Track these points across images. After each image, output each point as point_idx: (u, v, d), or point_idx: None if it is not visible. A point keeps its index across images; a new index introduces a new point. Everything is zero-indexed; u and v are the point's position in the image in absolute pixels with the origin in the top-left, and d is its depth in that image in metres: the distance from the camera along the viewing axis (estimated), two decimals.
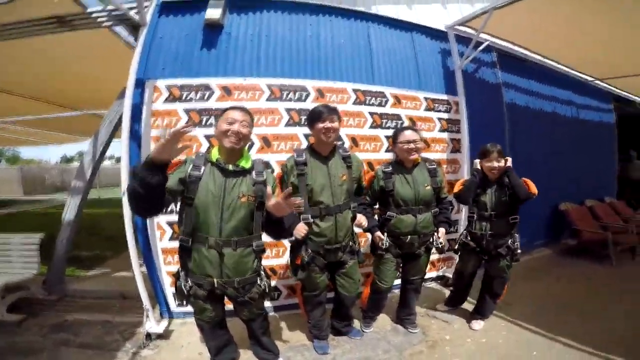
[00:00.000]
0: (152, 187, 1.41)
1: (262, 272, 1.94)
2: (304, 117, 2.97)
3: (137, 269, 2.57)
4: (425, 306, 3.12)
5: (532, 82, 4.78)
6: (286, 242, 2.99)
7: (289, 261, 2.46)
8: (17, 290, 3.13)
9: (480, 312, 2.80)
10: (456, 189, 2.65)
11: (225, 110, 1.80)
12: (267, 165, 2.86)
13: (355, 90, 3.23)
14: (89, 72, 4.25)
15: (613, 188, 6.43)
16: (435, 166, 2.51)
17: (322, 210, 2.16)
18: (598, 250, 4.51)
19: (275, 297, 3.05)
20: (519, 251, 2.56)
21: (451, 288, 3.05)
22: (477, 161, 2.62)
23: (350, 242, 2.32)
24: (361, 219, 2.31)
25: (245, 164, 1.80)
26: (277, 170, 2.82)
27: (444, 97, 3.68)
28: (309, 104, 3.02)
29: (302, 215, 2.14)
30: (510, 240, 2.55)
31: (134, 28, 2.96)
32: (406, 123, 3.41)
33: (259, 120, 2.92)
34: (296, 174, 2.15)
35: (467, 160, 3.61)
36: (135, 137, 2.75)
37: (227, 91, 2.91)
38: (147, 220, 2.81)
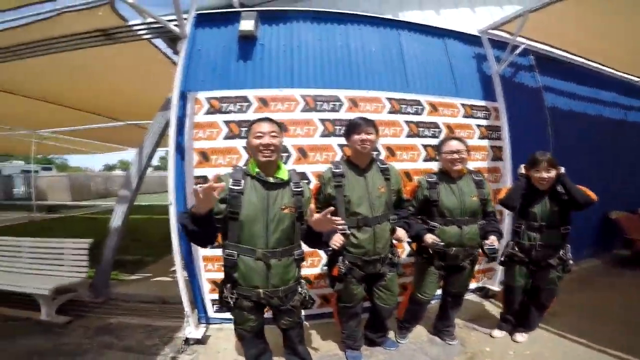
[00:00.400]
0: (201, 226, 1.58)
1: (302, 280, 1.97)
2: (338, 128, 2.99)
3: (181, 276, 2.63)
4: (464, 318, 2.98)
5: (573, 84, 4.49)
6: (321, 252, 2.98)
7: (325, 271, 2.44)
8: (67, 293, 3.29)
9: (524, 325, 2.63)
10: (501, 195, 2.52)
11: (252, 124, 1.81)
12: (302, 176, 2.88)
13: (389, 99, 3.17)
14: (129, 83, 4.45)
15: None
16: (481, 178, 2.44)
17: (359, 222, 2.13)
18: None
19: (309, 306, 3.00)
20: (571, 262, 2.41)
21: (501, 312, 2.82)
22: (522, 166, 2.49)
23: (390, 254, 2.27)
24: (400, 232, 2.24)
25: (283, 175, 1.82)
26: (314, 181, 2.83)
27: (482, 103, 3.54)
28: (343, 114, 3.02)
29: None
30: (562, 252, 2.40)
31: (172, 40, 3.09)
32: (444, 131, 3.31)
33: (295, 131, 2.94)
34: (333, 185, 2.15)
35: (510, 169, 3.44)
36: (179, 149, 2.82)
37: (263, 102, 2.94)
38: None
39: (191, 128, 2.87)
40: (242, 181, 1.76)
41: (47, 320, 3.02)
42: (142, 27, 2.89)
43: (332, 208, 1.66)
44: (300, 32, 3.21)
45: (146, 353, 2.58)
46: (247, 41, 3.06)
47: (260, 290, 1.78)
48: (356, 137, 2.10)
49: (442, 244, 2.26)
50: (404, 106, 3.21)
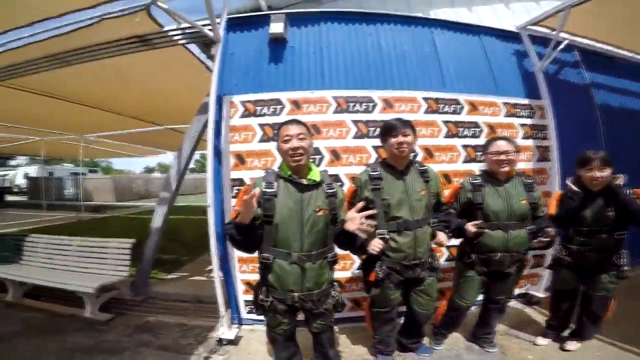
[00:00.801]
0: (246, 235, 1.64)
1: (335, 283, 1.93)
2: (371, 129, 2.91)
3: (217, 277, 2.66)
4: (506, 325, 2.80)
5: (624, 80, 4.10)
6: (354, 256, 2.88)
7: (359, 275, 2.35)
8: (110, 291, 3.42)
9: (578, 334, 2.44)
10: (552, 209, 2.31)
11: (279, 127, 1.79)
12: (335, 179, 2.81)
13: (426, 99, 3.04)
14: (166, 88, 4.59)
15: None
16: (531, 181, 2.27)
17: (399, 225, 2.04)
18: None
19: (341, 310, 2.93)
20: (626, 267, 2.17)
21: (547, 319, 2.64)
22: (569, 180, 2.27)
23: (430, 259, 2.16)
24: (441, 236, 2.13)
25: (315, 177, 1.79)
26: (347, 184, 2.76)
27: (525, 101, 3.31)
28: (377, 115, 2.93)
29: (377, 230, 2.01)
30: (614, 256, 2.17)
31: (205, 45, 3.14)
32: (485, 131, 3.12)
33: (327, 133, 2.89)
34: (371, 188, 2.06)
35: (558, 170, 3.20)
36: (216, 152, 2.85)
37: (296, 105, 2.91)
38: None
39: (227, 131, 2.89)
40: (275, 184, 1.74)
41: (90, 318, 3.14)
42: (177, 32, 2.95)
43: (362, 203, 1.64)
44: (329, 33, 3.17)
45: (180, 352, 2.61)
46: (278, 44, 3.06)
47: (295, 294, 1.76)
48: (392, 140, 2.00)
49: (485, 230, 2.14)
50: (441, 105, 3.06)
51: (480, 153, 2.44)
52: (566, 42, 3.38)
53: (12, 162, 24.98)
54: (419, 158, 2.93)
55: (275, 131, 2.77)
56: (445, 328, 2.55)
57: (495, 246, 2.17)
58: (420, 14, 3.47)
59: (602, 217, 2.15)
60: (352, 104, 2.95)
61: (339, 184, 2.80)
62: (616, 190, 2.09)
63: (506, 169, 2.17)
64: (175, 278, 4.25)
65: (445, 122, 3.04)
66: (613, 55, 3.97)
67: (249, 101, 2.92)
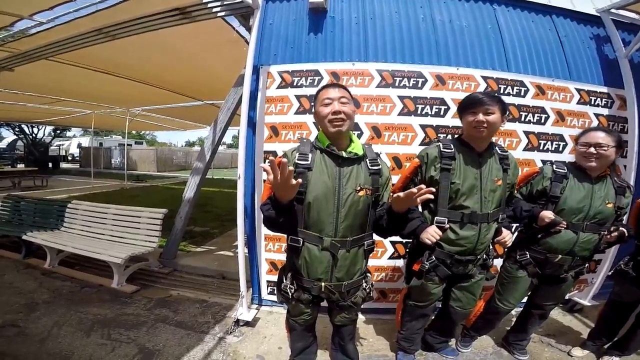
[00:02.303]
0: (286, 215, 1.40)
1: (369, 275, 1.70)
2: (420, 107, 2.62)
3: (242, 254, 2.53)
4: (540, 332, 2.53)
5: None
6: (387, 243, 2.69)
7: (392, 265, 2.10)
8: (139, 262, 3.43)
9: (620, 348, 2.19)
10: (632, 220, 1.96)
11: (319, 91, 1.51)
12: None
13: (485, 78, 2.67)
14: (207, 63, 4.51)
15: None
16: (625, 185, 1.90)
17: (464, 217, 1.73)
18: None
19: (368, 300, 2.74)
20: None
21: (592, 330, 2.36)
22: None
23: (485, 255, 1.87)
24: (506, 235, 1.80)
25: (357, 149, 1.51)
26: (388, 163, 2.52)
27: (603, 89, 2.84)
28: (427, 92, 2.64)
29: (436, 218, 1.74)
30: None
31: (244, 18, 2.99)
32: (552, 117, 2.72)
33: (368, 108, 2.63)
34: (440, 167, 1.72)
35: (635, 167, 2.74)
36: (251, 124, 2.73)
37: (335, 77, 2.68)
38: (256, 206, 2.76)
39: (263, 102, 2.73)
40: (310, 155, 1.49)
41: (116, 289, 3.13)
42: (216, 3, 2.82)
43: (431, 189, 1.30)
44: (373, 3, 2.89)
45: (196, 330, 2.54)
46: (318, 13, 2.84)
47: (323, 284, 1.55)
48: (471, 117, 1.65)
49: (564, 223, 1.82)
50: (502, 86, 2.68)
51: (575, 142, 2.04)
52: None
53: (68, 134, 27.00)
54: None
55: (313, 99, 2.62)
56: (477, 330, 2.31)
57: (559, 247, 1.87)
58: None
59: None
60: (398, 79, 2.66)
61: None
62: None
63: (593, 164, 1.81)
64: (203, 251, 4.23)
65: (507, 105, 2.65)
66: None
67: (286, 71, 2.73)
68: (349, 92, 1.52)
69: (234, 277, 2.81)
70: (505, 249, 2.11)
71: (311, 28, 2.86)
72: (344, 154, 1.48)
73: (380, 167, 1.55)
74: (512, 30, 2.91)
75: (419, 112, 2.62)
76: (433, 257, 1.80)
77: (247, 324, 2.58)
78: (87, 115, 9.90)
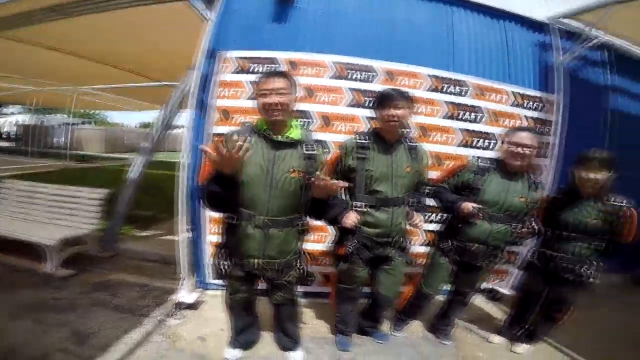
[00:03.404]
0: (229, 189, 1.50)
1: (302, 255, 1.86)
2: (368, 99, 2.81)
3: (182, 236, 2.60)
4: (465, 319, 2.79)
5: None
6: (330, 228, 2.84)
7: (332, 249, 2.28)
8: (75, 245, 3.32)
9: (529, 336, 2.43)
10: (540, 215, 2.21)
11: (259, 79, 1.63)
12: (322, 144, 2.70)
13: (431, 76, 2.93)
14: (168, 44, 4.44)
15: None
16: (538, 182, 2.15)
17: (378, 201, 1.96)
18: None
19: (309, 283, 2.90)
20: (591, 280, 2.07)
21: (506, 317, 2.64)
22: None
23: (401, 238, 2.10)
24: (417, 217, 2.06)
25: (294, 135, 1.66)
26: (334, 151, 2.67)
27: (537, 93, 3.19)
28: (376, 86, 2.83)
29: (355, 203, 1.96)
30: (584, 267, 2.06)
31: (209, 2, 3.01)
32: (487, 117, 3.03)
33: (321, 98, 2.80)
34: (356, 156, 1.96)
35: (554, 168, 3.11)
36: (202, 106, 2.79)
37: (292, 65, 2.81)
38: None
39: (216, 86, 2.81)
40: (249, 137, 1.61)
41: (50, 273, 3.02)
42: None
43: (345, 183, 1.53)
44: None
45: (135, 313, 2.57)
46: (284, 3, 2.93)
47: (256, 261, 1.68)
48: (384, 112, 1.89)
49: (480, 214, 2.00)
50: (446, 85, 2.95)
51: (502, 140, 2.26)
52: (597, 40, 3.22)
53: (5, 110, 24.76)
54: (411, 135, 2.83)
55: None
56: (407, 315, 2.55)
57: (475, 236, 2.10)
58: None
59: (584, 223, 2.03)
60: (351, 72, 2.85)
61: (325, 150, 2.72)
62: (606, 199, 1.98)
63: (519, 163, 2.03)
64: (148, 236, 4.21)
65: (447, 103, 2.94)
66: None
67: (243, 58, 2.82)
68: (291, 82, 1.64)
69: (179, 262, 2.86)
70: (435, 235, 2.34)
71: (275, 17, 2.95)
72: (279, 138, 1.62)
73: (315, 152, 1.69)
74: (464, 32, 3.15)
75: (366, 104, 2.81)
76: (355, 240, 2.00)
77: (189, 307, 2.64)
78: (28, 92, 9.22)
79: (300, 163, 1.65)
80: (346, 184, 1.59)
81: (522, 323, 2.50)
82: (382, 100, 1.91)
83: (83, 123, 23.90)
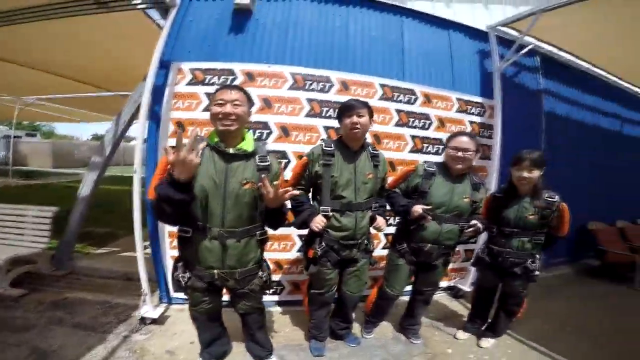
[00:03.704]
0: (178, 204, 1.48)
1: (264, 263, 1.91)
2: (325, 109, 2.92)
3: (141, 251, 2.55)
4: (431, 317, 2.96)
5: (575, 90, 4.47)
6: (295, 237, 2.94)
7: (301, 254, 2.38)
8: (25, 264, 3.15)
9: (492, 330, 2.61)
10: (484, 212, 2.40)
11: (216, 90, 1.68)
12: (282, 155, 2.80)
13: (382, 85, 3.09)
14: (122, 53, 4.30)
15: None
16: (480, 182, 2.32)
17: (343, 205, 2.07)
18: (623, 272, 4.25)
19: (278, 292, 3.00)
20: (536, 273, 2.31)
21: (469, 313, 2.81)
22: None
23: (366, 241, 2.22)
24: (380, 221, 2.19)
25: (247, 147, 1.70)
26: (294, 161, 2.77)
27: (479, 99, 3.47)
28: (332, 96, 2.95)
29: (321, 207, 2.06)
30: (529, 261, 2.30)
31: (166, 11, 2.99)
32: (435, 124, 3.25)
33: (279, 109, 2.86)
34: (322, 163, 2.05)
35: (497, 169, 3.39)
36: (155, 118, 2.76)
37: (250, 77, 2.85)
38: None
39: (171, 98, 2.78)
40: (200, 151, 1.64)
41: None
42: None
43: (296, 192, 1.63)
44: (299, 10, 3.11)
45: (97, 330, 2.49)
46: (242, 15, 2.97)
47: (215, 271, 1.71)
48: (347, 120, 2.00)
49: (429, 217, 2.15)
50: (396, 94, 3.13)
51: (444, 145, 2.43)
52: (530, 46, 3.56)
53: None
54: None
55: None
56: (375, 316, 2.63)
57: (427, 237, 2.23)
58: (397, 3, 3.45)
59: (524, 219, 2.24)
60: (309, 82, 2.93)
61: (285, 160, 2.82)
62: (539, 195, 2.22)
63: (460, 166, 2.18)
64: (105, 253, 4.03)
65: (398, 111, 3.12)
66: (570, 64, 4.24)
67: (198, 69, 2.82)
68: (247, 96, 1.70)
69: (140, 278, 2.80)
70: (391, 238, 2.49)
71: (232, 28, 2.97)
72: (231, 151, 1.66)
73: (268, 163, 1.75)
74: (413, 42, 3.35)
75: (323, 114, 2.91)
76: (323, 243, 2.09)
77: (154, 321, 2.60)
78: None
79: (254, 174, 1.70)
80: (296, 193, 1.68)
81: (484, 318, 2.70)
82: (345, 110, 2.02)
83: (27, 135, 22.09)
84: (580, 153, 4.47)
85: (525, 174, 2.16)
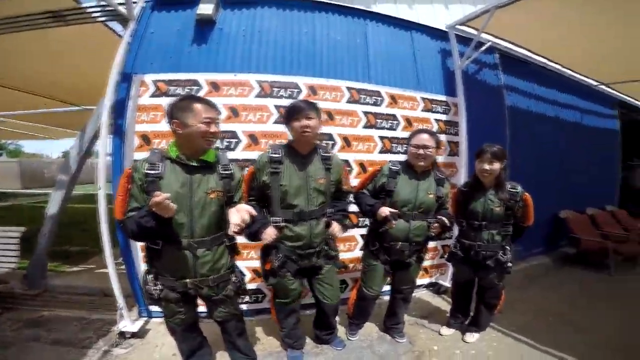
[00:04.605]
0: (158, 233, 1.53)
1: (236, 269, 1.88)
2: None
3: (112, 266, 2.48)
4: (415, 314, 2.96)
5: (534, 85, 4.60)
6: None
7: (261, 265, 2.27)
8: None
9: (475, 324, 2.61)
10: (452, 207, 2.42)
11: (190, 103, 1.59)
12: (252, 163, 2.70)
13: (349, 89, 3.07)
14: (85, 66, 4.11)
15: (615, 196, 6.22)
16: (444, 177, 2.31)
17: (295, 215, 1.97)
18: (597, 259, 4.36)
19: (259, 300, 2.94)
20: (509, 264, 2.33)
21: (450, 308, 2.81)
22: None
23: (325, 247, 2.13)
24: (335, 227, 2.08)
25: (209, 158, 1.69)
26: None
27: (443, 98, 3.51)
28: None
29: (272, 218, 1.96)
30: (500, 253, 2.32)
31: (127, 23, 2.88)
32: (402, 124, 3.26)
33: (247, 117, 2.80)
34: (269, 172, 1.94)
35: (465, 164, 3.44)
36: (119, 132, 2.66)
37: (215, 87, 2.78)
38: None
39: (134, 111, 2.68)
40: (160, 165, 1.61)
41: None
42: (95, 9, 2.69)
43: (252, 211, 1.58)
44: (263, 18, 3.06)
45: (77, 346, 2.41)
46: (205, 25, 2.90)
47: (188, 281, 1.67)
48: (296, 123, 1.90)
49: (394, 222, 2.07)
50: (363, 96, 3.12)
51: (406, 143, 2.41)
52: (489, 44, 3.63)
53: None
54: (337, 147, 2.97)
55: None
56: (357, 318, 2.59)
57: (397, 235, 2.21)
58: (361, 6, 3.45)
59: (491, 211, 2.26)
60: (276, 89, 2.88)
61: (242, 167, 2.74)
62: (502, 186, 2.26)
63: (422, 163, 2.18)
64: (81, 270, 3.89)
65: (365, 113, 3.11)
66: (527, 60, 4.34)
67: (162, 80, 2.73)
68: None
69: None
70: (364, 239, 2.45)
71: (196, 39, 2.91)
72: (194, 163, 1.63)
73: (231, 171, 1.75)
74: (377, 44, 3.36)
75: None
76: (280, 254, 2.00)
77: (135, 335, 2.52)
78: None
79: (218, 183, 1.69)
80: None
81: (465, 312, 2.70)
82: (293, 113, 1.91)
83: None
84: (544, 145, 4.59)
85: (487, 167, 2.20)
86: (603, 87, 5.35)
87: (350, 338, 2.57)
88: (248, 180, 1.98)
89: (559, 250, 4.97)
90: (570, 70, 4.77)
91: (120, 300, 2.51)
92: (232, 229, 1.51)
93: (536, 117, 4.57)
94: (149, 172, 1.58)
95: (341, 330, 2.63)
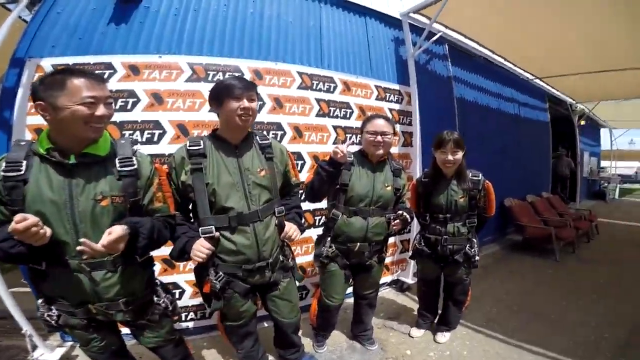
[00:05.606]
0: (23, 257, 1.05)
1: (159, 288, 1.39)
2: None
3: (3, 287, 1.96)
4: (382, 316, 2.67)
5: (479, 77, 4.52)
6: None
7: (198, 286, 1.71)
8: None
9: (445, 323, 2.37)
10: (411, 202, 2.13)
11: (64, 78, 1.05)
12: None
13: (300, 73, 2.63)
14: None
15: (548, 183, 6.55)
16: (400, 167, 2.01)
17: (232, 220, 1.45)
18: (542, 245, 4.42)
19: (207, 315, 2.43)
20: (477, 258, 2.11)
21: (418, 307, 2.55)
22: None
23: (281, 257, 1.65)
24: (290, 229, 1.59)
25: (98, 150, 1.16)
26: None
27: (396, 86, 3.21)
28: None
29: (201, 228, 1.42)
30: (467, 246, 2.09)
31: (32, 4, 2.25)
32: (356, 112, 2.89)
33: (174, 105, 2.24)
34: (190, 169, 1.42)
35: (419, 155, 3.19)
36: (5, 126, 2.05)
37: (134, 70, 2.18)
38: None
39: (25, 100, 2.03)
40: (24, 163, 1.07)
41: None
42: None
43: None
44: None
45: None
46: (127, 3, 2.31)
47: (90, 306, 1.20)
48: (235, 104, 1.38)
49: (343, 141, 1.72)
50: (316, 82, 2.70)
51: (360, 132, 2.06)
52: (439, 34, 3.44)
53: None
54: (287, 137, 2.54)
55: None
56: (322, 329, 2.22)
57: (354, 235, 1.89)
58: None
59: (454, 203, 2.02)
60: (212, 73, 2.35)
61: (146, 155, 2.22)
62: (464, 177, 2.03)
63: (380, 152, 1.86)
64: None
65: (318, 100, 2.70)
66: (474, 52, 4.27)
67: (64, 65, 2.07)
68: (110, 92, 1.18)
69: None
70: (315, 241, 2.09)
71: (114, 18, 2.30)
72: (71, 160, 1.10)
73: (135, 166, 1.21)
74: (331, 28, 3.00)
75: None
76: (220, 273, 1.49)
77: None
78: None
79: (114, 185, 1.17)
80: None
81: (433, 311, 2.45)
82: (228, 91, 1.39)
83: None
84: (487, 135, 4.55)
85: (450, 157, 1.95)
86: (537, 81, 5.54)
87: (318, 350, 2.21)
88: (167, 184, 1.41)
89: (507, 237, 5.04)
90: (511, 63, 4.80)
91: (26, 326, 1.95)
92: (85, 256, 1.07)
93: (482, 108, 4.51)
94: (7, 174, 1.04)
95: (306, 341, 2.22)
